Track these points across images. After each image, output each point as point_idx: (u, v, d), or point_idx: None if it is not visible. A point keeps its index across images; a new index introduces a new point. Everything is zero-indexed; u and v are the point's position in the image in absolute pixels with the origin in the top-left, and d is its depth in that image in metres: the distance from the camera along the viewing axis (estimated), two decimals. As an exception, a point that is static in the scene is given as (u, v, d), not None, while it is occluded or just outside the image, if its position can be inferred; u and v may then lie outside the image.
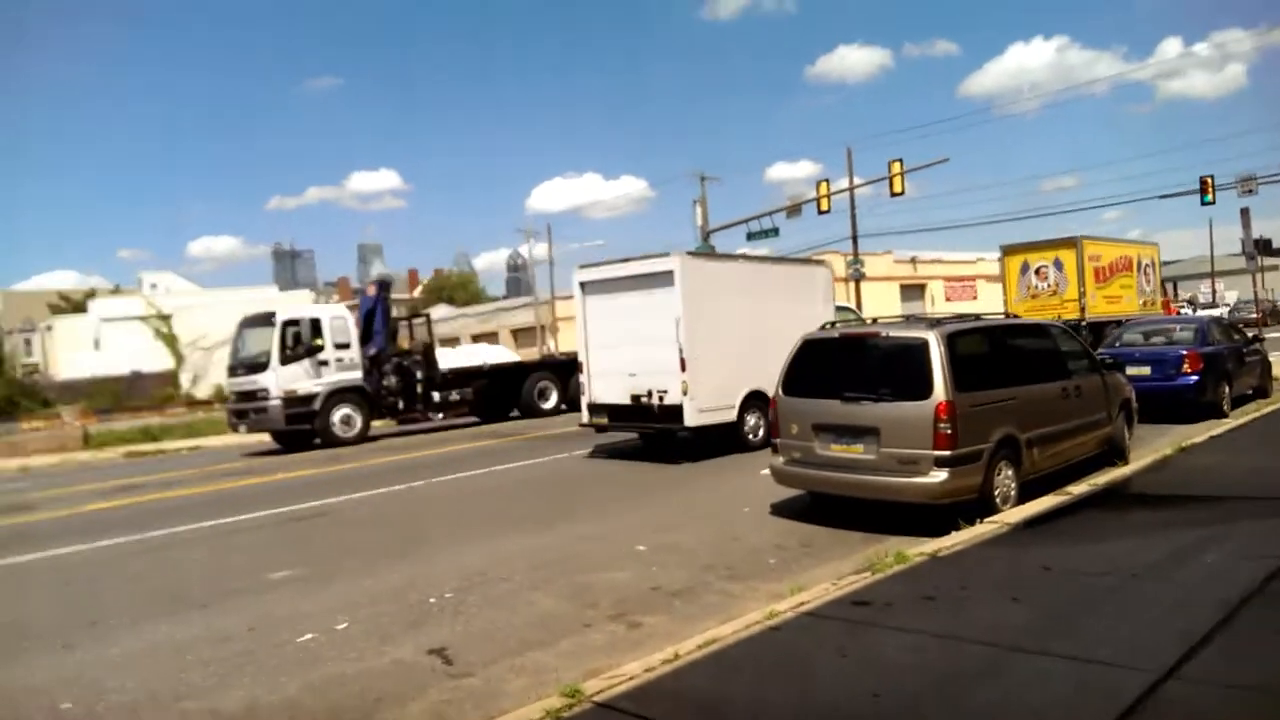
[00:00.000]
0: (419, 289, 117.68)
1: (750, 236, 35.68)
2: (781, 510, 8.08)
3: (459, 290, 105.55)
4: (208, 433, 28.23)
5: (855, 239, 38.62)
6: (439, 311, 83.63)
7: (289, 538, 8.81)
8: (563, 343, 54.34)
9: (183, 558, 8.27)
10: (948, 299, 50.85)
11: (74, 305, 72.25)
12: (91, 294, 75.98)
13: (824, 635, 4.56)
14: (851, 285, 41.57)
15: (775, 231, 34.73)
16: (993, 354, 7.74)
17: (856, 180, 37.30)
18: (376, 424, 20.07)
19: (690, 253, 13.59)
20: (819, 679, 4.03)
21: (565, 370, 21.80)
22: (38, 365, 67.92)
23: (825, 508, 7.71)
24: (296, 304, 64.31)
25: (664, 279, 11.46)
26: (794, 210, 34.11)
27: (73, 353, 62.67)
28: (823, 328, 8.47)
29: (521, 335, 63.76)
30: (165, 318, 54.59)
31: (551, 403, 22.05)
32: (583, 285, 13.04)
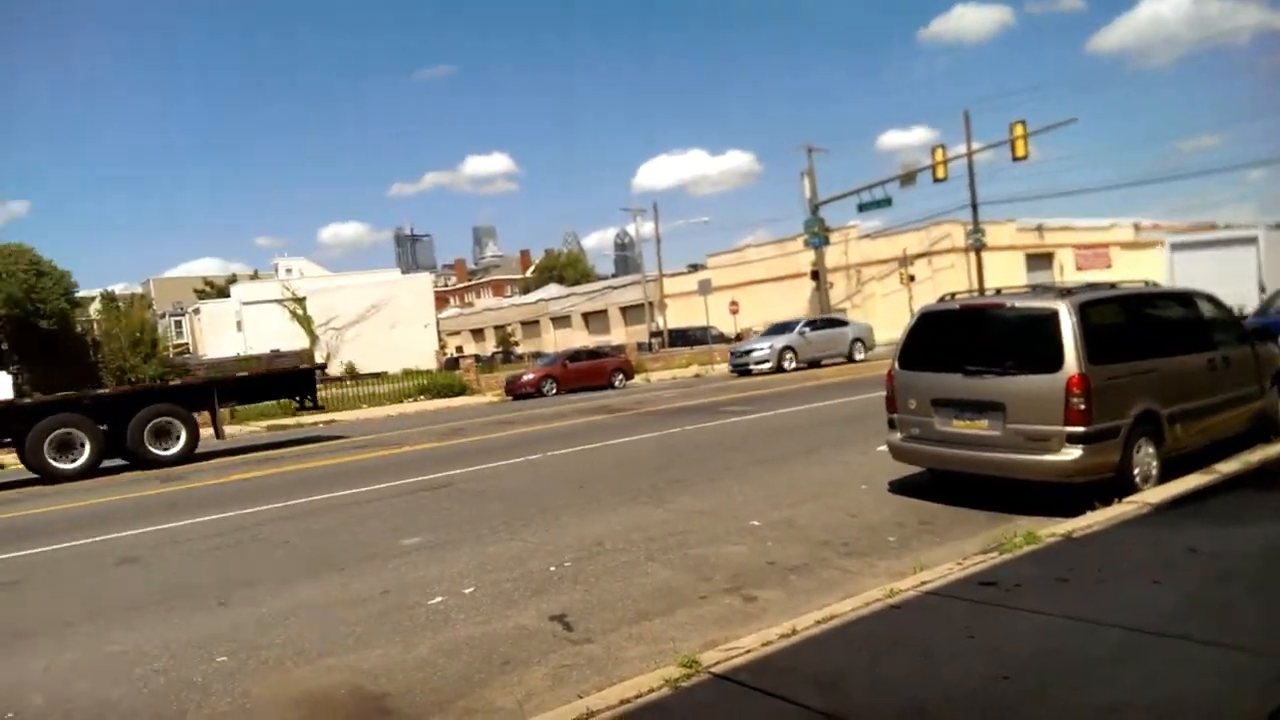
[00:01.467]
0: (531, 269, 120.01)
1: (862, 208, 34.80)
2: (900, 487, 7.91)
3: (569, 269, 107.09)
4: (340, 408, 29.74)
5: (975, 206, 37.10)
6: (549, 291, 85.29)
7: (417, 507, 9.21)
8: (672, 320, 54.52)
9: (321, 524, 8.77)
10: (1079, 268, 48.10)
11: (218, 290, 77.15)
12: (233, 279, 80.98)
13: (949, 616, 4.45)
14: (971, 255, 39.93)
15: (888, 201, 33.74)
16: (1130, 324, 7.30)
17: (975, 145, 35.73)
18: (466, 400, 20.56)
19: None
20: (943, 660, 3.94)
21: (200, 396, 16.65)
22: (187, 345, 73.05)
23: (947, 485, 7.50)
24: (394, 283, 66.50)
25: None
26: (908, 179, 33.00)
27: (217, 334, 67.15)
28: (942, 299, 8.19)
29: (630, 313, 64.26)
30: (300, 300, 57.61)
31: (176, 448, 15.64)
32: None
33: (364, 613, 5.51)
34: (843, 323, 29.72)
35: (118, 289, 79.14)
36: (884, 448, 7.99)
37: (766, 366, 26.26)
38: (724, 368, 34.51)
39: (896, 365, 7.66)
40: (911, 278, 44.30)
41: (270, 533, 8.50)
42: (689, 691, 3.78)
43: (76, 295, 64.85)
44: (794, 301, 52.10)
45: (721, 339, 45.07)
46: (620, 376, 30.00)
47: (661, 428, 14.29)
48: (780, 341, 26.89)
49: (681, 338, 46.87)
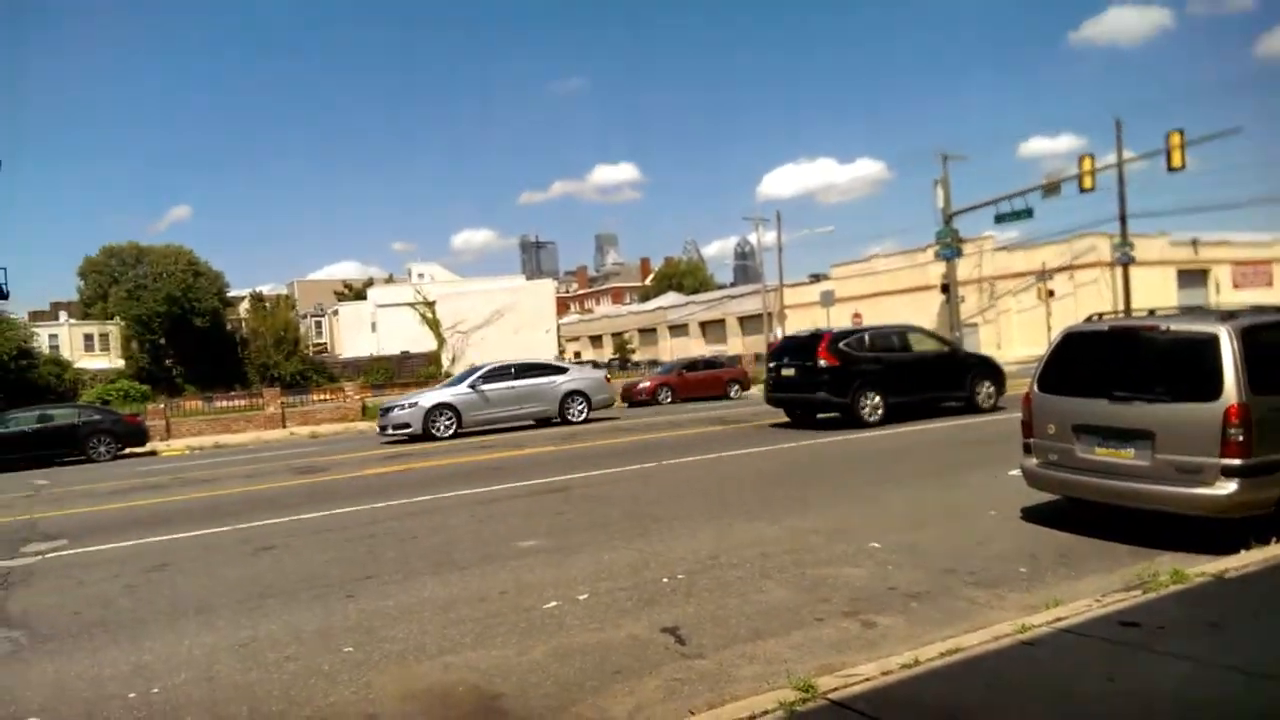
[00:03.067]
0: (650, 277, 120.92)
1: (999, 219, 33.34)
2: (1034, 515, 7.50)
3: (687, 278, 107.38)
4: (463, 409, 30.69)
5: (1124, 218, 35.05)
6: (668, 299, 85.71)
7: (535, 509, 9.39)
8: (791, 330, 53.75)
9: (444, 522, 9.05)
10: (1236, 286, 44.74)
11: (355, 293, 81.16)
12: (370, 282, 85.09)
13: (1086, 656, 4.17)
14: (1117, 271, 37.70)
15: (1029, 213, 32.17)
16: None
17: (1127, 154, 33.72)
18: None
19: None
20: (1080, 704, 3.70)
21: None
22: (325, 345, 77.13)
23: (1085, 515, 7.06)
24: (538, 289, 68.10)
25: None
26: (1052, 189, 31.38)
27: (354, 334, 70.68)
28: (1089, 319, 7.73)
29: (748, 323, 63.80)
30: (430, 304, 59.90)
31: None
32: None
33: (482, 612, 5.64)
34: (555, 369, 22.01)
35: (265, 290, 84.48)
36: (1017, 472, 7.60)
37: (404, 433, 18.91)
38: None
39: (1035, 388, 7.29)
40: (1050, 293, 42.21)
41: (397, 528, 8.83)
42: (804, 717, 3.68)
43: (228, 295, 69.65)
44: (922, 314, 50.47)
45: (842, 352, 44.07)
46: (736, 387, 29.82)
47: (778, 442, 14.08)
48: (431, 399, 19.53)
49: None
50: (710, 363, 33.13)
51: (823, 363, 15.36)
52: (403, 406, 19.57)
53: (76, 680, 4.90)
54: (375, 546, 8.02)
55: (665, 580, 6.13)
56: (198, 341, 62.02)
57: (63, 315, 76.75)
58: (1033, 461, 7.27)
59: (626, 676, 4.41)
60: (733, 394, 29.31)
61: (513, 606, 5.72)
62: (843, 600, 5.50)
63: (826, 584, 5.86)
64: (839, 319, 45.80)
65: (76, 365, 56.80)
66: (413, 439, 18.72)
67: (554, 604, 5.71)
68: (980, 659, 4.22)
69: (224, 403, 34.85)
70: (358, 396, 31.54)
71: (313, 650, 5.11)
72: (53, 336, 67.26)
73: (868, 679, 4.04)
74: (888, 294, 52.94)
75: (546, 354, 61.42)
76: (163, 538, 9.15)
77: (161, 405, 30.59)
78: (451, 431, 18.93)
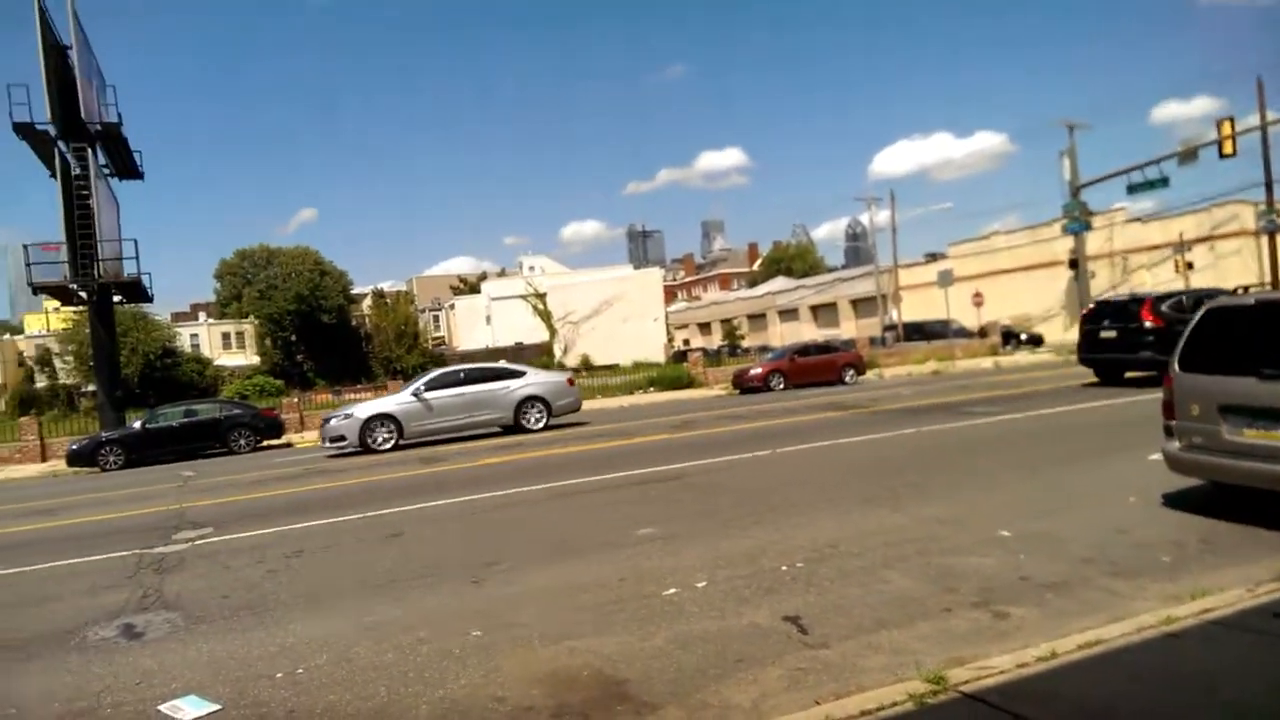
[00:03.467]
0: (758, 262, 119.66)
1: (1131, 189, 31.41)
2: (1176, 501, 7.06)
3: (796, 261, 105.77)
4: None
5: (1269, 185, 32.50)
6: (776, 284, 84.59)
7: (649, 497, 9.45)
8: (907, 312, 52.23)
9: (562, 510, 9.23)
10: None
11: (470, 287, 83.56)
12: (483, 277, 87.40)
13: (1237, 650, 3.90)
14: (1263, 241, 35.01)
15: (1164, 182, 30.17)
16: None
17: (1270, 115, 31.22)
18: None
19: None
20: (1230, 700, 3.46)
21: None
22: (443, 338, 79.72)
23: (1233, 501, 6.60)
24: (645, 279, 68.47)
25: None
26: (1188, 156, 29.32)
27: (469, 327, 72.85)
28: (1233, 292, 7.19)
29: (861, 305, 62.32)
30: (541, 296, 61.01)
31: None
32: None
33: (602, 598, 5.72)
34: (511, 374, 19.95)
35: (385, 286, 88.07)
36: (1158, 456, 7.17)
37: (339, 446, 18.03)
38: (966, 364, 32.60)
39: (1176, 367, 6.84)
40: (1189, 265, 39.54)
41: (517, 515, 9.06)
42: (936, 710, 3.58)
43: (352, 292, 72.92)
44: (1047, 292, 48.23)
45: (963, 333, 42.59)
46: (851, 372, 29.17)
47: (897, 427, 13.71)
48: (369, 409, 18.33)
49: (918, 331, 44.73)
50: (823, 347, 32.47)
51: (1148, 324, 16.25)
52: (339, 417, 18.47)
53: (228, 660, 5.23)
54: (497, 533, 8.25)
55: (784, 568, 6.06)
56: (325, 337, 65.25)
57: (202, 316, 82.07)
58: (1175, 445, 6.83)
59: (749, 665, 4.39)
60: (848, 379, 28.69)
61: (633, 593, 5.78)
62: (971, 590, 5.32)
63: (953, 573, 5.68)
64: (957, 300, 44.18)
65: (216, 362, 60.72)
66: (354, 451, 17.79)
67: (673, 591, 5.73)
68: (1122, 652, 4.01)
69: (351, 395, 36.55)
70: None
71: (442, 634, 5.30)
72: (193, 336, 71.96)
73: (1002, 671, 3.89)
74: (1009, 272, 50.78)
75: (655, 343, 61.72)
76: (299, 525, 9.67)
77: (294, 399, 32.29)
78: (391, 444, 17.73)
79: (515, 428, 18.90)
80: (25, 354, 71.02)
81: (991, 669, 3.93)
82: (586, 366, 53.63)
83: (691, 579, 5.98)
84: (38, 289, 27.29)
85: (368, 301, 78.17)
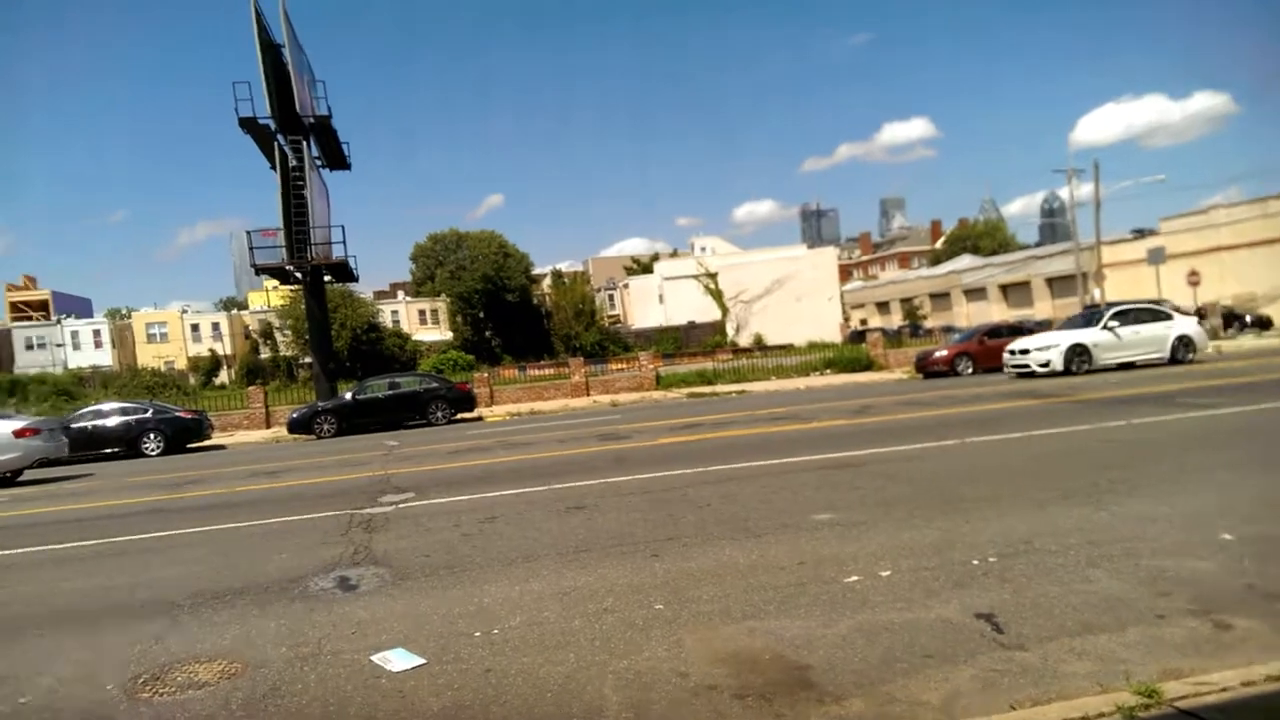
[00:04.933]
0: (941, 240, 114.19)
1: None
2: None
3: (985, 239, 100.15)
4: (751, 378, 31.09)
5: None
6: (962, 261, 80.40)
7: (827, 483, 9.29)
8: (1111, 292, 48.26)
9: (738, 490, 9.25)
10: None
11: (643, 267, 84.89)
12: (656, 257, 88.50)
13: None
14: None
15: None
16: None
17: None
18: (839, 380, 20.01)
19: None
20: None
21: None
22: (619, 316, 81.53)
23: None
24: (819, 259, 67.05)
25: None
26: None
27: (643, 306, 74.06)
28: None
29: (1058, 285, 58.16)
30: (712, 276, 61.14)
31: None
32: None
33: (782, 580, 5.70)
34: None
35: (563, 267, 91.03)
36: None
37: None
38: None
39: None
40: None
41: (695, 494, 9.17)
42: (1149, 726, 3.33)
43: (533, 273, 75.95)
44: (1277, 271, 43.23)
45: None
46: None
47: (1100, 419, 12.73)
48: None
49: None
50: (1015, 328, 30.53)
51: None
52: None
53: (430, 616, 5.63)
54: (675, 510, 8.38)
55: (975, 562, 5.80)
56: (510, 314, 68.38)
57: (400, 294, 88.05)
58: None
59: (939, 661, 4.25)
60: (1040, 363, 26.90)
61: (813, 577, 5.72)
62: (1187, 596, 4.89)
63: (1166, 577, 5.24)
64: (1170, 279, 40.38)
65: (414, 337, 65.09)
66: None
67: (856, 578, 5.63)
68: (1378, 679, 3.56)
69: (535, 371, 38.19)
70: (651, 365, 33.04)
71: (626, 604, 5.46)
72: (394, 313, 77.39)
73: (1224, 689, 3.57)
74: (1230, 249, 45.88)
75: (830, 323, 60.41)
76: (491, 494, 10.24)
77: (485, 374, 34.09)
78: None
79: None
80: (250, 328, 78.93)
81: (1211, 685, 3.61)
82: (760, 346, 53.26)
83: (874, 567, 5.84)
84: (260, 270, 30.22)
85: (547, 281, 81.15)
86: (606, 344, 60.27)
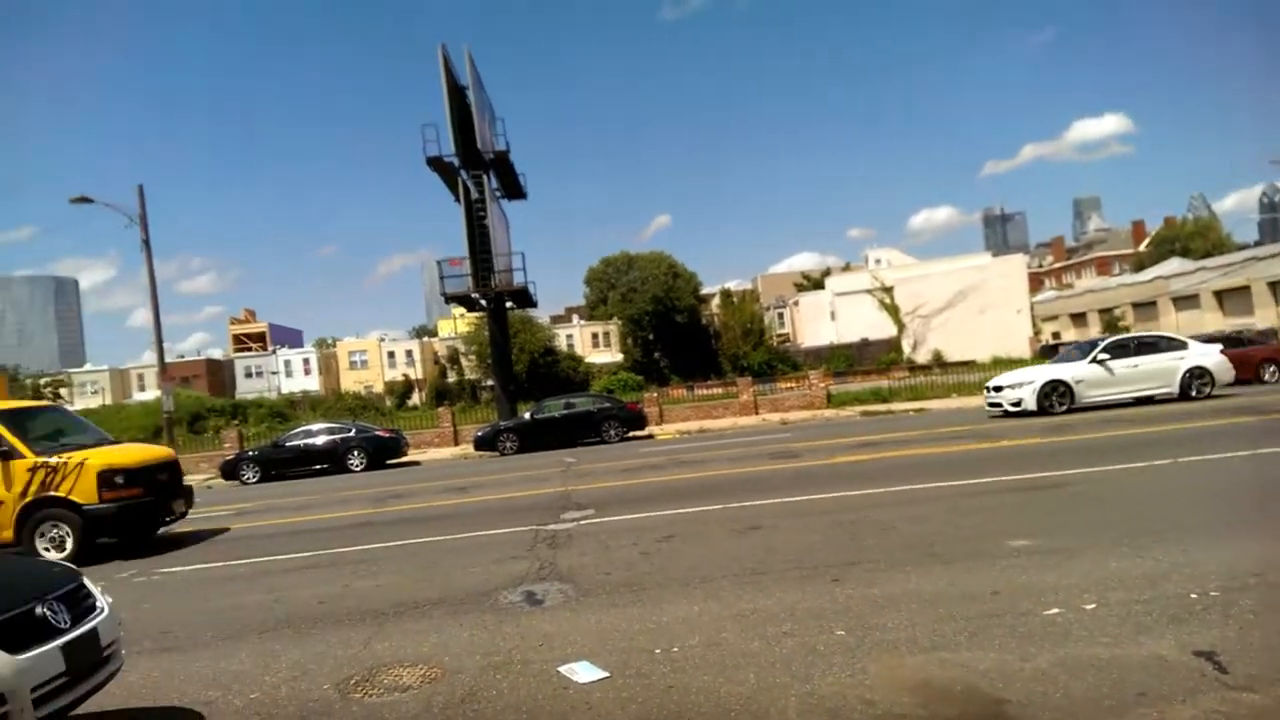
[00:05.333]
0: (1145, 242, 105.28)
1: None
2: None
3: (1195, 239, 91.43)
4: (929, 396, 29.85)
5: None
6: (1169, 266, 73.61)
7: (1023, 505, 8.77)
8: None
9: (922, 513, 8.88)
10: None
11: (813, 283, 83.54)
12: (827, 272, 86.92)
13: None
14: None
15: None
16: None
17: None
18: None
19: None
20: None
21: None
22: (788, 335, 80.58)
23: None
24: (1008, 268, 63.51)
25: None
26: None
27: (813, 323, 72.78)
28: None
29: (1286, 288, 52.11)
30: (887, 289, 59.29)
31: None
32: None
33: (974, 611, 5.42)
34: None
35: (732, 285, 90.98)
36: None
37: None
38: None
39: None
40: None
41: (877, 516, 8.90)
42: None
43: (701, 292, 76.52)
44: None
45: None
46: (1272, 368, 24.56)
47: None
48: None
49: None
50: (1233, 339, 27.62)
51: None
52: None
53: (612, 632, 5.77)
54: (855, 533, 8.17)
55: (1194, 596, 5.30)
56: (678, 335, 69.16)
57: (574, 318, 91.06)
58: None
59: (1153, 700, 3.91)
60: (1267, 377, 24.21)
61: (1008, 608, 5.41)
62: None
63: None
64: None
65: (587, 360, 67.10)
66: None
67: (1056, 611, 5.27)
68: None
69: (703, 390, 38.40)
70: (821, 384, 32.40)
71: (806, 629, 5.38)
72: (568, 336, 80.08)
73: None
74: None
75: (1018, 336, 57.06)
76: (666, 512, 10.38)
77: (654, 394, 34.63)
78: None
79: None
80: (439, 354, 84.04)
81: None
82: (939, 362, 51.03)
83: (1077, 599, 5.45)
84: (449, 299, 32.14)
85: (715, 301, 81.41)
86: (774, 363, 59.65)
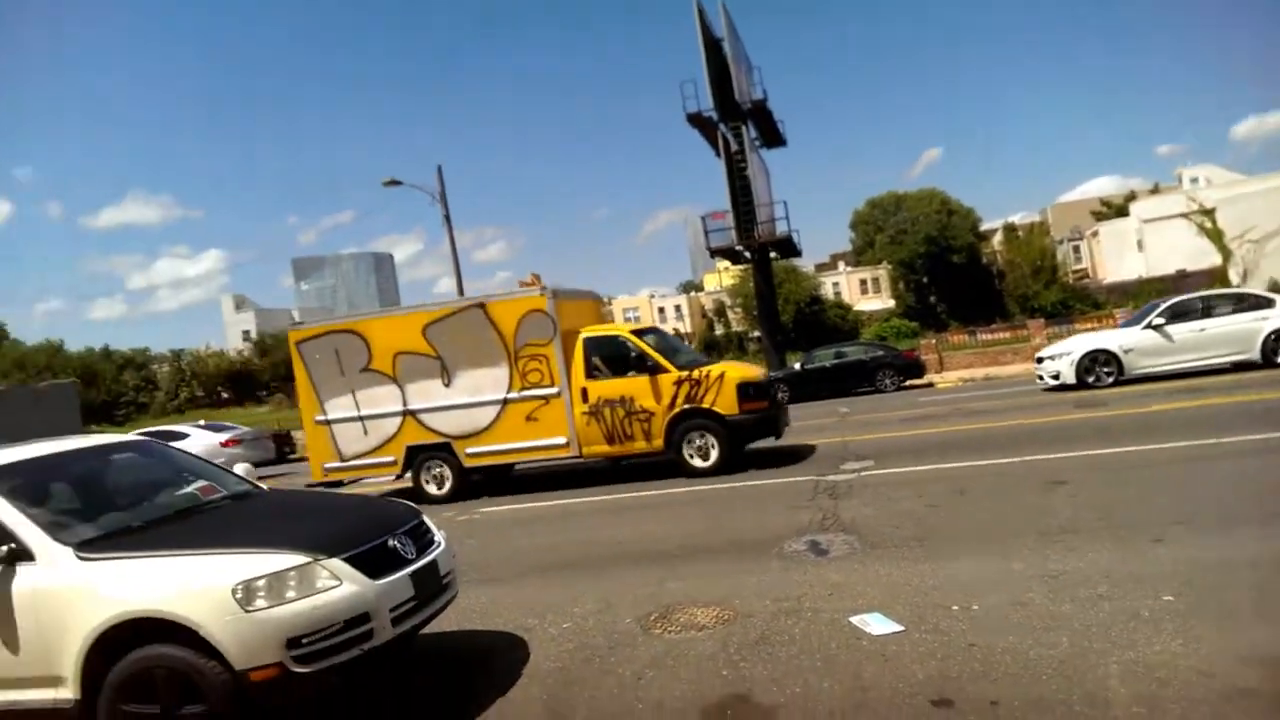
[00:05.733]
0: None
1: None
2: None
3: None
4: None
5: None
6: None
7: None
8: None
9: (1265, 465, 7.77)
10: None
11: (1115, 210, 74.82)
12: (1131, 196, 77.26)
13: None
14: None
15: None
16: None
17: None
18: None
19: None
20: None
21: None
22: (1085, 270, 73.01)
23: None
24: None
25: None
26: None
27: (1117, 256, 65.29)
28: None
29: None
30: (1207, 212, 51.70)
31: None
32: None
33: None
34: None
35: (1017, 219, 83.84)
36: None
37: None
38: None
39: None
40: None
41: (1201, 470, 7.95)
42: None
43: (981, 229, 71.27)
44: None
45: None
46: None
47: None
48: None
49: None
50: None
51: None
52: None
53: (903, 585, 5.64)
54: (1177, 490, 7.33)
55: None
56: (955, 277, 65.07)
57: (840, 264, 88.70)
58: None
59: None
60: None
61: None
62: None
63: None
64: None
65: (855, 307, 65.28)
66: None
67: None
68: None
69: (987, 335, 35.93)
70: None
71: (1126, 592, 4.93)
72: (835, 284, 78.32)
73: None
74: None
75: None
76: (953, 464, 9.91)
77: (932, 340, 32.95)
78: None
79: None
80: (706, 307, 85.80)
81: None
82: (1276, 291, 43.75)
83: None
84: (713, 253, 32.58)
85: (998, 237, 75.39)
86: (1071, 302, 54.26)
